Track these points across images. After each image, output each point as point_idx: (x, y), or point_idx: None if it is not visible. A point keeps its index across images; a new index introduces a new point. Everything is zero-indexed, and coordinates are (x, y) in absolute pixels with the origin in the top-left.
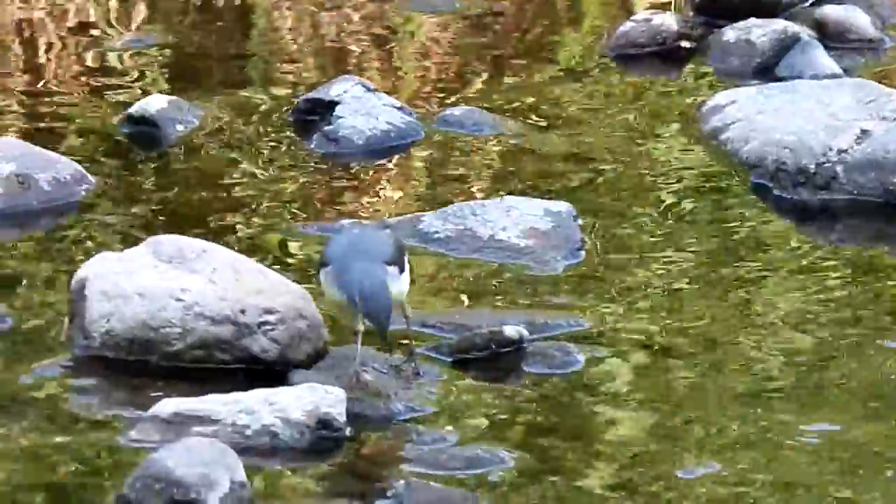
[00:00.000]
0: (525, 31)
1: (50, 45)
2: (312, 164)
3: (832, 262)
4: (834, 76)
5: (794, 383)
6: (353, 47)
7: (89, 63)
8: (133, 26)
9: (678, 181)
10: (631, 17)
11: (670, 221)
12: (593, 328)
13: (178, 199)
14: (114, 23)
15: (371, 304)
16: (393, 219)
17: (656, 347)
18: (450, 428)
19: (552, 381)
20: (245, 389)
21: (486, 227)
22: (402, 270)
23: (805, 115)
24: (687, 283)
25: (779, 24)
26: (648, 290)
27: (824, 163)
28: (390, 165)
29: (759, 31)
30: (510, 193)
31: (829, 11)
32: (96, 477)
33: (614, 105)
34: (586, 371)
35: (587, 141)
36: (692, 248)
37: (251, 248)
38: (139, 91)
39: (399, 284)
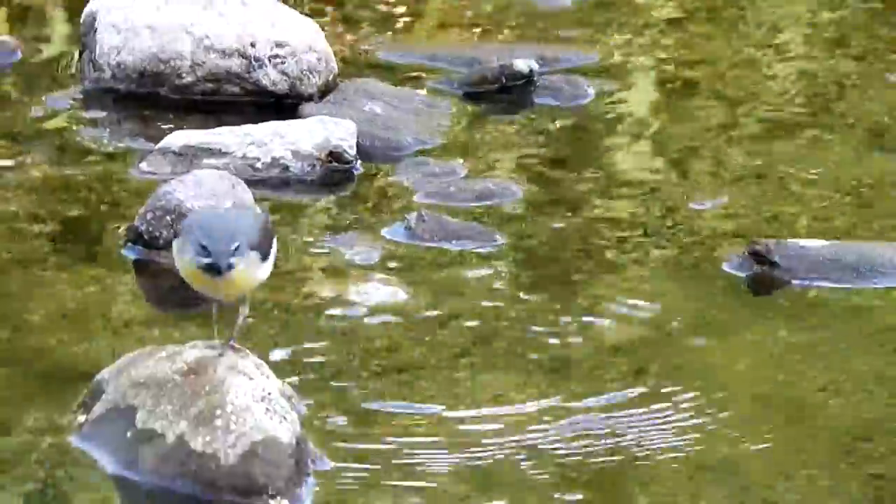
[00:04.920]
0: None
1: None
2: None
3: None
4: None
5: (802, 117)
6: None
7: None
8: None
9: None
10: None
11: None
12: (603, 61)
13: None
14: None
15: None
16: None
17: (666, 81)
18: (460, 160)
19: (562, 113)
20: (255, 122)
21: None
22: (264, 258)
23: None
24: (696, 17)
25: None
26: (658, 24)
27: None
28: None
29: None
30: None
31: None
32: (108, 208)
33: None
34: (596, 104)
35: None
36: None
37: None
38: None
39: (260, 271)
